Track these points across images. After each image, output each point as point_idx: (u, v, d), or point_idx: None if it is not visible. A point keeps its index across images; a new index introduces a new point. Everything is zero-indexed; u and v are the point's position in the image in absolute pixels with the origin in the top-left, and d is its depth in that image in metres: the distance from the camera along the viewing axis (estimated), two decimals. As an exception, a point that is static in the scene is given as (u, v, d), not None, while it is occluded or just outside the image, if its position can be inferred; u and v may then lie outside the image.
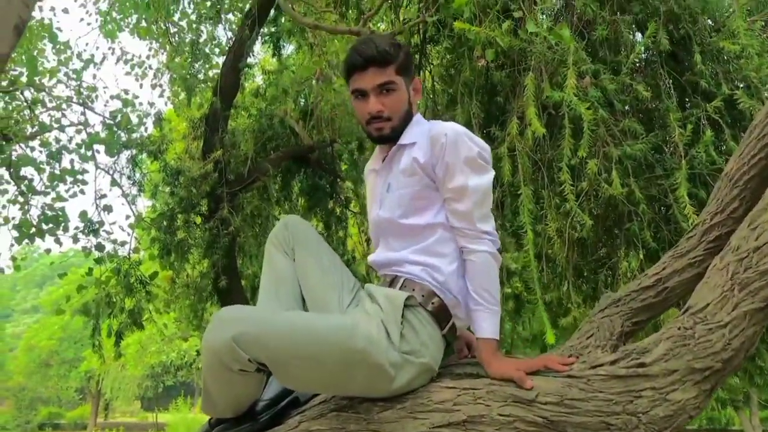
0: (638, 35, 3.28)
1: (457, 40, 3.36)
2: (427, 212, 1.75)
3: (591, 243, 3.16)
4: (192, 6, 6.57)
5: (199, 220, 4.95)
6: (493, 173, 1.76)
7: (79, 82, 5.24)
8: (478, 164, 1.71)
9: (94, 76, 6.37)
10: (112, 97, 5.24)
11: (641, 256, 2.90)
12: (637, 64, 3.13)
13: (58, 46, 5.88)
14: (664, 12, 3.04)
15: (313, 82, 5.40)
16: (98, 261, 4.64)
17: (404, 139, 1.81)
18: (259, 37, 5.07)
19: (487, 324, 1.65)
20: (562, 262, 3.03)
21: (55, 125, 5.02)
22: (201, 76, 5.17)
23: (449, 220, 1.73)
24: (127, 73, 6.31)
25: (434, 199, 1.75)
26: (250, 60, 4.89)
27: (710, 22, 3.11)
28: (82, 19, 6.73)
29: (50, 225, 5.27)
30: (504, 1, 3.04)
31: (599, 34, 3.04)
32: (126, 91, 5.24)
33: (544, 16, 2.99)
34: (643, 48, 2.98)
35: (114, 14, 7.19)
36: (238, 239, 4.98)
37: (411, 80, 1.86)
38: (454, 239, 1.74)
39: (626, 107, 3.06)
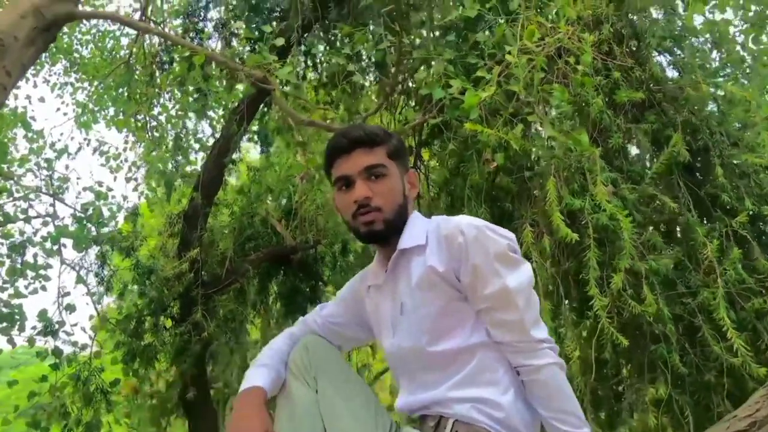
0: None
1: (461, 143, 3.19)
2: (460, 332, 1.45)
3: (612, 365, 2.88)
4: (173, 101, 6.42)
5: (169, 323, 4.57)
6: (528, 264, 1.47)
7: (50, 173, 4.95)
8: (512, 259, 1.43)
9: (67, 167, 6.17)
10: (84, 189, 4.91)
11: (669, 383, 2.63)
12: (652, 175, 2.97)
13: (30, 135, 5.64)
14: (681, 122, 2.92)
15: (298, 180, 5.20)
16: (54, 367, 4.21)
17: (406, 242, 1.52)
18: (246, 134, 4.88)
19: None
20: (580, 386, 2.73)
21: (21, 215, 4.69)
22: (180, 171, 4.93)
23: (491, 336, 1.43)
24: (102, 165, 6.06)
25: (465, 314, 1.45)
26: (235, 156, 4.67)
27: (727, 135, 3.00)
28: (58, 109, 6.53)
29: (4, 324, 4.83)
30: (515, 104, 2.89)
31: (614, 143, 2.90)
32: (100, 183, 4.97)
33: (558, 122, 2.83)
34: (663, 158, 2.82)
35: (90, 105, 7.02)
36: (211, 347, 4.59)
37: (405, 171, 1.62)
38: (503, 359, 1.43)
39: (645, 219, 2.88)
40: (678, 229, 2.99)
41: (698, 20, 3.39)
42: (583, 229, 2.60)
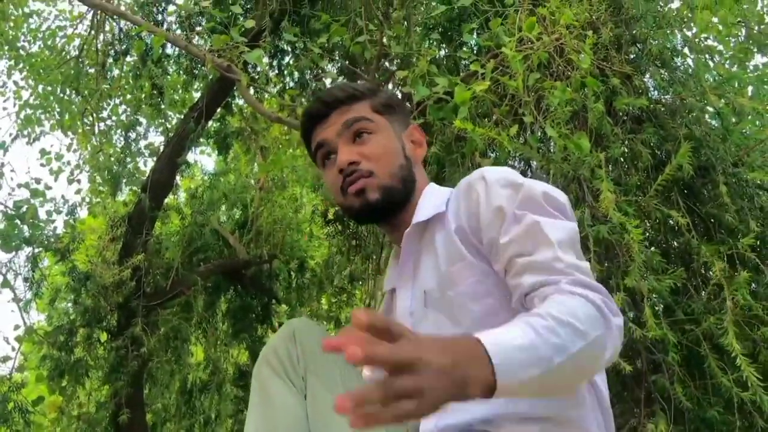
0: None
1: (444, 147, 2.93)
2: (504, 316, 0.98)
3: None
4: (123, 103, 6.05)
5: (104, 336, 4.14)
6: (575, 223, 1.10)
7: (-19, 166, 4.50)
8: (551, 207, 1.06)
9: (2, 164, 5.66)
10: (19, 186, 4.46)
11: (670, 419, 2.36)
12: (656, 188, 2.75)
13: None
14: (683, 135, 2.71)
15: (255, 190, 4.88)
16: (-32, 380, 3.73)
17: (422, 213, 1.18)
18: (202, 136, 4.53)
19: (510, 336, 0.80)
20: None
21: (-56, 207, 4.22)
22: (129, 170, 4.55)
23: (520, 296, 1.01)
24: (42, 165, 5.60)
25: (504, 293, 1.06)
26: (189, 157, 4.31)
27: (729, 152, 2.80)
28: (-5, 105, 6.08)
29: None
30: (511, 104, 2.64)
31: (614, 152, 2.67)
32: (37, 181, 4.52)
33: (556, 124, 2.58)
34: (668, 171, 2.60)
35: (32, 101, 6.58)
36: (149, 364, 4.17)
37: (403, 128, 1.30)
38: None
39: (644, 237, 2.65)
40: (674, 248, 2.76)
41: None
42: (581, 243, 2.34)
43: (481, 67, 2.59)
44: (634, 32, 3.00)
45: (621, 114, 2.78)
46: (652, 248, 2.63)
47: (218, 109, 4.50)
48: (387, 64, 3.58)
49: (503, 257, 1.05)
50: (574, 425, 1.02)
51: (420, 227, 1.19)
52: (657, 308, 2.43)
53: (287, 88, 4.37)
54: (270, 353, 1.16)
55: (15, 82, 6.86)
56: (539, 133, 2.68)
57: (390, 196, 1.19)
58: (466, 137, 2.62)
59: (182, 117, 4.69)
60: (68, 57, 6.29)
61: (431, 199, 1.21)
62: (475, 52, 2.81)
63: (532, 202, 1.06)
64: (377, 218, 1.24)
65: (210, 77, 4.24)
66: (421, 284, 1.17)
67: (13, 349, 3.97)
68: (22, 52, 6.98)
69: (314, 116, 1.26)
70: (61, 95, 6.36)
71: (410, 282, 1.20)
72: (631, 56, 2.99)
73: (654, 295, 2.37)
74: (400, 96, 3.21)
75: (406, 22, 3.36)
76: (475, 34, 3.06)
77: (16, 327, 4.01)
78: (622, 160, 2.78)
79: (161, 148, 4.98)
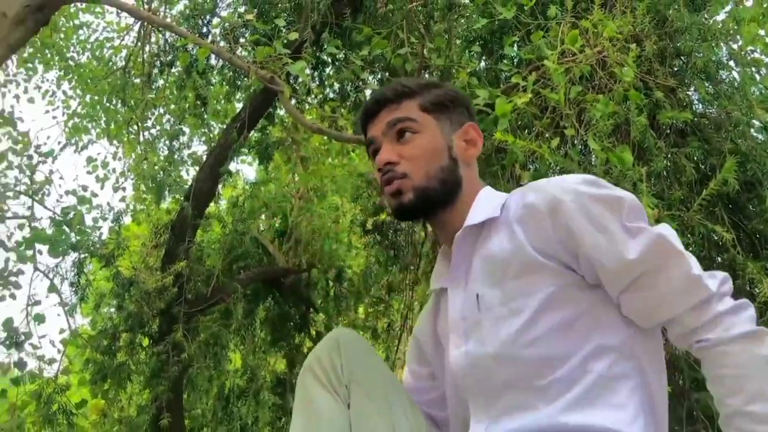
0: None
1: (484, 160, 2.93)
2: (576, 330, 1.05)
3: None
4: (167, 113, 6.17)
5: (146, 341, 4.21)
6: None
7: (32, 172, 4.62)
8: (643, 211, 1.10)
9: (51, 172, 5.89)
10: (67, 193, 4.59)
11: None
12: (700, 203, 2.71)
13: (15, 135, 5.33)
14: (728, 150, 2.67)
15: (295, 200, 4.92)
16: (16, 381, 3.82)
17: (475, 216, 1.17)
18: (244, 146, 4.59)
19: None
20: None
21: (-5, 213, 4.35)
22: (173, 178, 4.64)
23: (647, 320, 1.06)
24: (89, 172, 5.75)
25: (582, 305, 1.07)
26: (231, 167, 4.38)
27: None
28: (47, 111, 6.25)
29: (-34, 333, 4.44)
30: (552, 117, 2.63)
31: (656, 166, 2.64)
32: (84, 188, 4.64)
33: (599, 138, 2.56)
34: (713, 186, 2.56)
35: (80, 110, 6.76)
36: (189, 370, 4.22)
37: (457, 127, 1.28)
38: (634, 370, 1.04)
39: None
40: (719, 264, 2.71)
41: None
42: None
43: (522, 80, 2.59)
44: (678, 45, 2.96)
45: (664, 127, 2.74)
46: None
47: (260, 120, 4.56)
48: (427, 76, 3.59)
49: (624, 279, 1.06)
50: None
51: (472, 230, 1.19)
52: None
53: (328, 99, 4.42)
54: (314, 362, 1.18)
55: (64, 92, 7.09)
56: (580, 146, 2.66)
57: (425, 197, 1.20)
58: (506, 149, 2.62)
59: (225, 127, 4.77)
60: (115, 68, 6.46)
61: (486, 203, 1.21)
62: (516, 64, 2.80)
63: (634, 211, 1.07)
64: (415, 217, 1.27)
65: (253, 88, 4.31)
66: (474, 288, 1.16)
67: (59, 351, 4.06)
68: (71, 62, 7.19)
69: (367, 113, 1.30)
70: (108, 105, 6.53)
71: (462, 285, 1.19)
72: (675, 69, 2.96)
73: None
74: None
75: (447, 35, 3.37)
76: (516, 46, 3.06)
77: (62, 330, 4.09)
78: (665, 174, 2.74)
79: (204, 157, 5.07)
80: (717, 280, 1.04)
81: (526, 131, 2.78)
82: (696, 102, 3.00)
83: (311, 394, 1.15)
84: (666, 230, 1.07)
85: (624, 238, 1.05)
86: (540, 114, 2.64)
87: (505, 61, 2.76)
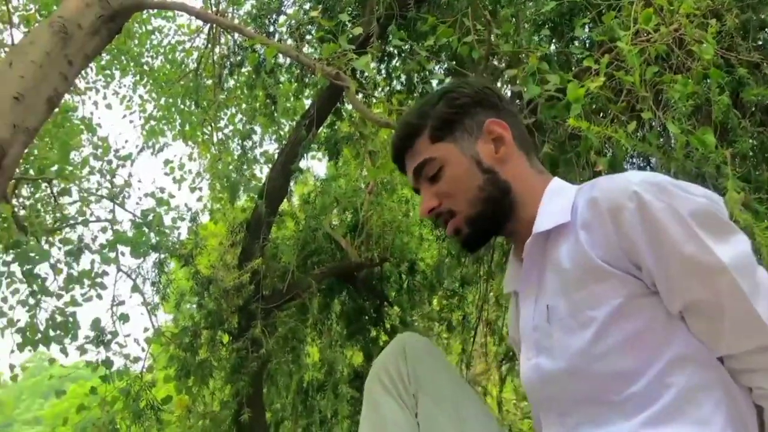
0: None
1: (557, 146, 2.85)
2: (648, 342, 0.98)
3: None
4: (239, 112, 6.29)
5: (226, 338, 4.30)
6: (743, 234, 1.00)
7: (111, 177, 4.80)
8: (718, 221, 0.97)
9: (130, 175, 6.13)
10: (146, 195, 4.74)
11: None
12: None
13: (95, 140, 5.55)
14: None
15: (365, 194, 4.92)
16: (104, 378, 3.97)
17: (543, 223, 1.10)
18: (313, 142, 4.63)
19: None
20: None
21: (79, 217, 4.53)
22: (246, 177, 4.72)
23: (708, 347, 0.98)
24: (166, 174, 5.93)
25: (655, 314, 0.99)
26: (302, 164, 4.41)
27: None
28: (124, 116, 6.47)
29: (58, 332, 4.65)
30: (628, 100, 2.53)
31: (741, 147, 2.50)
32: (162, 190, 4.78)
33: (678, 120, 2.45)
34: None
35: (156, 113, 6.96)
36: (268, 365, 4.29)
37: (477, 135, 1.19)
38: (717, 381, 0.96)
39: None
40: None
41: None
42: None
43: (594, 63, 2.50)
44: (763, 17, 2.80)
45: (749, 106, 2.60)
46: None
47: (328, 116, 4.58)
48: (495, 62, 3.52)
49: (676, 300, 0.99)
50: None
51: (542, 237, 1.12)
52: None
53: (395, 92, 4.40)
54: (381, 370, 1.18)
55: (140, 96, 7.33)
56: (659, 130, 2.55)
57: (481, 224, 1.16)
58: (580, 135, 2.54)
59: (294, 125, 4.82)
60: (187, 70, 6.63)
61: (552, 205, 1.13)
62: (587, 47, 2.71)
63: (700, 219, 0.97)
64: (483, 244, 1.21)
65: (320, 85, 4.33)
66: (545, 299, 1.10)
67: (143, 350, 4.20)
68: (146, 67, 7.42)
69: (398, 164, 1.26)
70: (182, 107, 6.73)
71: (534, 294, 1.14)
72: (759, 43, 2.80)
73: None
74: (509, 94, 3.15)
75: (514, 20, 3.29)
76: (587, 28, 2.96)
77: (146, 329, 4.24)
78: (751, 155, 2.60)
79: (275, 155, 5.15)
80: None
81: (601, 116, 2.68)
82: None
83: (379, 403, 1.14)
84: (731, 253, 0.95)
85: (684, 249, 0.96)
86: (614, 98, 2.53)
87: (576, 44, 2.66)
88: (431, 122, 1.19)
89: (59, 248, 4.70)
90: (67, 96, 6.62)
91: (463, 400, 1.14)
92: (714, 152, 2.28)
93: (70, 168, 4.92)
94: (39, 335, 4.70)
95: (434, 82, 4.03)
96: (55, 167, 4.64)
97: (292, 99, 5.52)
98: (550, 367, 1.06)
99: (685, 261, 0.95)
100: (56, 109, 3.43)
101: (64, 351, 4.62)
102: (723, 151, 2.26)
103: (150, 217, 4.41)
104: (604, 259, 1.01)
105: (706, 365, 0.98)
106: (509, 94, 3.25)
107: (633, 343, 0.99)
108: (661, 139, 2.57)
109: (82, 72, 5.15)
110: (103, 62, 6.84)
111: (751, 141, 2.57)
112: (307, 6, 4.65)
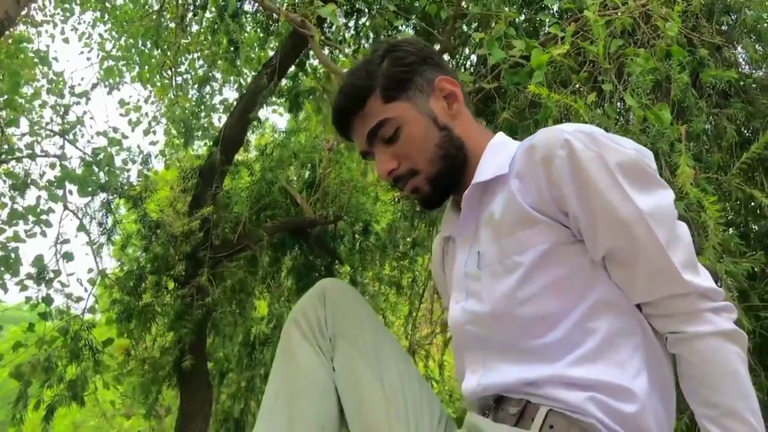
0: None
1: (517, 113, 2.84)
2: (572, 287, 1.01)
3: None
4: (200, 58, 6.14)
5: (171, 284, 4.24)
6: (670, 190, 1.03)
7: (64, 112, 4.64)
8: (644, 173, 0.99)
9: (84, 113, 5.89)
10: (98, 134, 4.61)
11: None
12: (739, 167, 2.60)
13: (50, 75, 5.36)
14: (775, 112, 2.55)
15: (324, 151, 4.88)
16: (43, 316, 3.89)
17: (483, 173, 1.10)
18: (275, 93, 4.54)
19: None
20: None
21: (26, 150, 4.39)
22: (203, 125, 4.62)
23: (626, 294, 1.00)
24: (121, 115, 5.77)
25: (579, 261, 1.02)
26: (261, 114, 4.34)
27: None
28: (81, 52, 6.26)
29: (-1, 267, 4.53)
30: (590, 71, 2.54)
31: (696, 126, 2.53)
32: (115, 129, 4.65)
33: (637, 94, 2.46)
34: (755, 148, 2.45)
35: (115, 52, 6.76)
36: (213, 314, 4.26)
37: (428, 92, 1.17)
38: (634, 327, 1.00)
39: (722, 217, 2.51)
40: (754, 231, 2.62)
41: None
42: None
43: (561, 31, 2.49)
44: (727, 1, 2.82)
45: (707, 87, 2.63)
46: (731, 230, 2.50)
47: (291, 67, 4.50)
48: (464, 26, 3.49)
49: (599, 247, 1.01)
50: (625, 395, 0.95)
51: (480, 187, 1.13)
52: (732, 293, 2.31)
53: (362, 48, 4.33)
54: (299, 315, 1.17)
55: (99, 34, 7.08)
56: (618, 103, 2.57)
57: (442, 181, 1.15)
58: (540, 103, 2.54)
59: (257, 74, 4.72)
60: (150, 10, 6.42)
61: (493, 158, 1.14)
62: (556, 16, 2.69)
63: (626, 169, 0.99)
64: (443, 201, 1.20)
65: (284, 32, 4.24)
66: (478, 247, 1.12)
67: (86, 290, 4.11)
68: (107, 4, 7.17)
69: (341, 128, 1.22)
70: (142, 48, 6.52)
71: (469, 242, 1.15)
72: (723, 27, 2.83)
73: (729, 279, 2.25)
74: (475, 59, 3.13)
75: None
76: (557, -3, 2.95)
77: (90, 270, 4.15)
78: (704, 135, 2.64)
79: (234, 104, 5.05)
80: (703, 278, 0.99)
81: (563, 86, 2.68)
82: (742, 62, 2.87)
83: (293, 348, 1.15)
84: (652, 203, 0.98)
85: (607, 196, 0.98)
86: (578, 68, 2.54)
87: (545, 12, 2.64)
88: (381, 82, 1.15)
89: (4, 181, 4.56)
90: (22, 27, 6.39)
91: (382, 342, 1.15)
92: (669, 128, 2.31)
93: (21, 100, 4.74)
94: (-24, 270, 4.57)
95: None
96: (5, 97, 4.47)
97: (256, 49, 5.40)
98: (476, 310, 1.08)
99: (606, 208, 0.97)
100: (8, 35, 3.28)
101: (3, 287, 4.51)
102: (678, 128, 2.28)
103: (101, 156, 4.29)
104: (533, 206, 1.03)
105: (625, 311, 1.00)
106: (474, 58, 3.23)
107: (556, 288, 1.01)
108: (620, 113, 2.58)
109: (40, 3, 4.96)
110: (62, -5, 6.60)
111: (706, 122, 2.61)
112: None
